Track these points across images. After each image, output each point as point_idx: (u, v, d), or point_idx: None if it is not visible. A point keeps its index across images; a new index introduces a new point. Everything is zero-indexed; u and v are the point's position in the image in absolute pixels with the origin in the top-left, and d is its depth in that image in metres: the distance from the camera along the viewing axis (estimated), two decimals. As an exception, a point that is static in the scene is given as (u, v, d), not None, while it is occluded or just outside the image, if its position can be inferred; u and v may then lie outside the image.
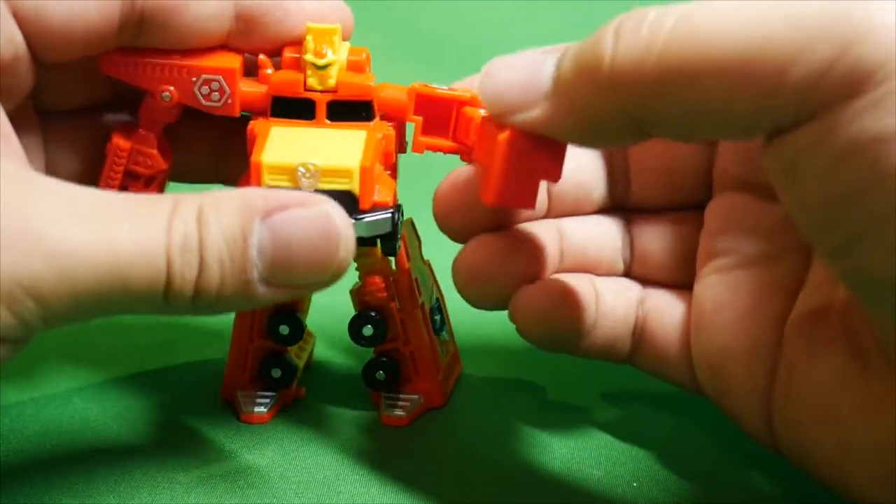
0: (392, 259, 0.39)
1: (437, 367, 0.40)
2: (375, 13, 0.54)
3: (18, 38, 0.35)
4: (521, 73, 0.32)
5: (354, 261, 0.38)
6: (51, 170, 0.39)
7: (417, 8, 0.73)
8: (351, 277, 0.38)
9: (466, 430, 0.39)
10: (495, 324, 0.44)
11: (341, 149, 0.35)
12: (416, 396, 0.40)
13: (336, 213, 0.32)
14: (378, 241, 0.36)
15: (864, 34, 0.26)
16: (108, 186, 0.38)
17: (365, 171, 0.34)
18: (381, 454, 0.38)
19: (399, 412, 0.40)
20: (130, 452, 0.38)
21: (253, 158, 0.35)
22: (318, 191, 0.34)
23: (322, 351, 0.44)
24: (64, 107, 0.39)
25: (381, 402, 0.40)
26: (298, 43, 0.36)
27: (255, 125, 0.36)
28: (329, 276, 0.32)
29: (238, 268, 0.31)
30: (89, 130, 0.39)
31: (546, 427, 0.40)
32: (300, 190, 0.34)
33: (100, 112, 0.39)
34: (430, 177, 0.38)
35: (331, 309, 0.44)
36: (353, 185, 0.34)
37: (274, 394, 0.40)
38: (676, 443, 0.39)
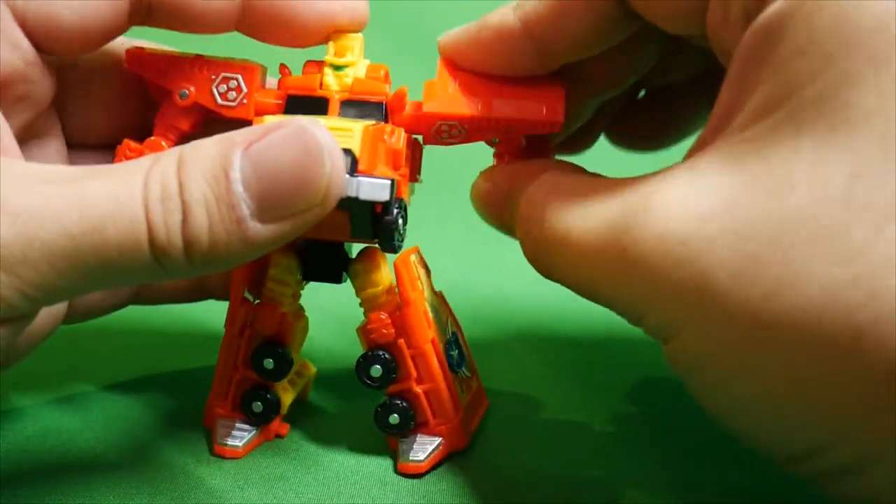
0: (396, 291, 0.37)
1: (456, 407, 0.37)
2: (372, 12, 0.53)
3: (25, 44, 0.34)
4: (495, 209, 0.36)
5: (358, 295, 0.37)
6: None
7: (415, 7, 0.73)
8: (358, 315, 0.37)
9: (486, 476, 0.37)
10: (518, 355, 0.44)
11: (347, 121, 0.34)
12: (437, 440, 0.37)
13: (313, 126, 0.31)
14: (376, 237, 0.34)
15: (652, 303, 0.29)
16: None
17: (367, 132, 0.33)
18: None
19: (417, 458, 0.36)
20: (130, 453, 0.38)
21: (255, 119, 0.34)
22: None
23: (322, 385, 0.42)
24: (90, 140, 0.38)
25: (398, 448, 0.37)
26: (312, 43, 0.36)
27: (264, 116, 0.35)
28: (322, 197, 0.31)
29: (225, 206, 0.30)
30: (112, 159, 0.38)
31: (574, 473, 0.37)
32: None
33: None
34: (440, 202, 0.38)
35: (332, 347, 0.43)
36: (354, 144, 0.33)
37: (253, 428, 0.38)
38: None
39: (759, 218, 0.27)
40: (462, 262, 0.44)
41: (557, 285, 0.36)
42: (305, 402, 0.41)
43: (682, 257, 0.28)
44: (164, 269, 0.30)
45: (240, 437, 0.38)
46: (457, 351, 0.38)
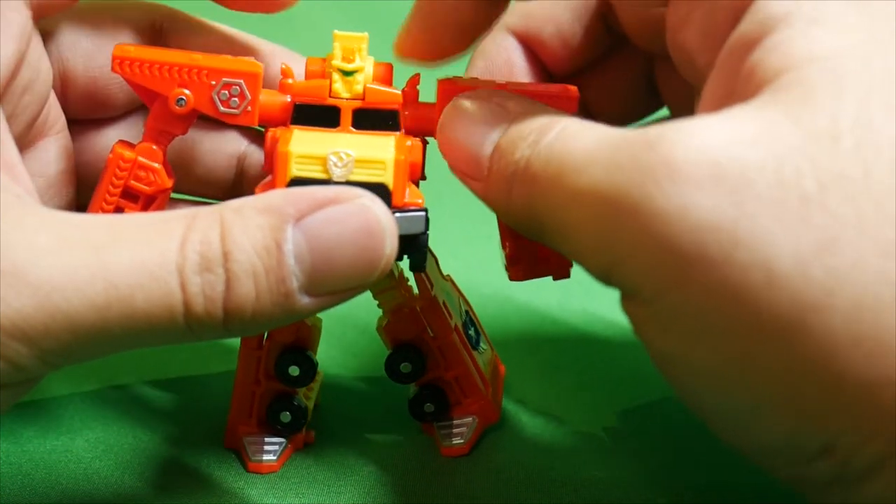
0: (415, 287, 0.37)
1: (485, 384, 0.38)
2: (372, 11, 0.53)
3: (24, 19, 0.33)
4: (470, 142, 0.32)
5: (375, 298, 0.37)
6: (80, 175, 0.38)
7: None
8: (376, 313, 0.38)
9: (486, 476, 0.37)
10: (517, 355, 0.44)
11: (371, 145, 0.33)
12: (470, 419, 0.38)
13: (375, 205, 0.30)
14: (406, 255, 0.33)
15: (631, 252, 0.26)
16: (103, 204, 0.35)
17: (399, 164, 0.32)
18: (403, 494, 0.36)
19: (458, 440, 0.38)
20: (130, 454, 0.38)
21: (280, 149, 0.32)
22: (349, 182, 0.32)
23: (329, 388, 0.41)
24: (96, 114, 0.38)
25: (436, 433, 0.38)
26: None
27: (275, 131, 0.34)
28: (376, 276, 0.30)
29: (275, 279, 0.28)
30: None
31: (574, 473, 0.38)
32: (331, 180, 0.32)
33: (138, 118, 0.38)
34: (440, 202, 0.37)
35: (338, 341, 0.43)
36: (387, 178, 0.32)
37: (283, 440, 0.38)
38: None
39: (809, 157, 0.25)
40: (462, 261, 0.44)
41: (558, 286, 0.36)
42: (318, 406, 0.40)
43: (722, 180, 0.25)
44: (195, 334, 0.29)
45: (272, 450, 0.37)
46: (473, 329, 0.39)
